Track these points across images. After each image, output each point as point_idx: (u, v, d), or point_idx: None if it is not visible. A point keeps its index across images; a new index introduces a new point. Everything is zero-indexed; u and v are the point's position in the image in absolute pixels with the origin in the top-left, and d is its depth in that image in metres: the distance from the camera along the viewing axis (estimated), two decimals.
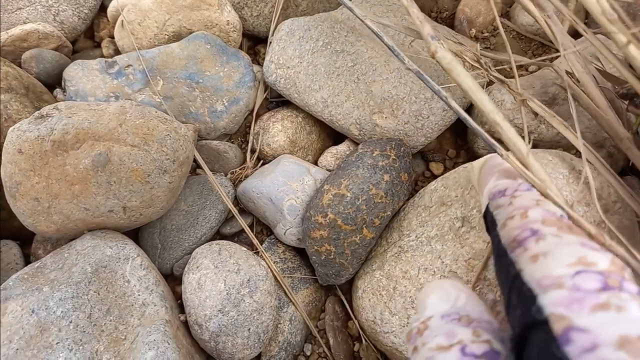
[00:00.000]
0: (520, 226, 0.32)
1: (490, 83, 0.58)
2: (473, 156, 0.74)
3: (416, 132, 0.68)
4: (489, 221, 0.36)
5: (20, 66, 0.75)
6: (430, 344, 0.32)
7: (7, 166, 0.60)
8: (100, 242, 0.61)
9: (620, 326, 0.24)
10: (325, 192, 0.63)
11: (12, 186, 0.60)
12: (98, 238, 0.62)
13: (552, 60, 0.67)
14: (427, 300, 0.37)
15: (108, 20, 0.83)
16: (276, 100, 0.81)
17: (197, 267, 0.62)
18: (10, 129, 0.61)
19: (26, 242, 0.71)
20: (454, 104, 0.51)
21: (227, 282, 0.60)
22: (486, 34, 0.79)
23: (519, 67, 0.64)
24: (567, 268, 0.28)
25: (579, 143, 0.50)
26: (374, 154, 0.64)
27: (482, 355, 0.31)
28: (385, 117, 0.69)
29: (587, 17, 0.76)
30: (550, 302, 0.26)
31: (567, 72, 0.59)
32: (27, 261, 0.70)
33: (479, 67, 0.50)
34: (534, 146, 0.65)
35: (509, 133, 0.45)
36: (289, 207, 0.66)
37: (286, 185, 0.67)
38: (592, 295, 0.26)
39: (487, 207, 0.37)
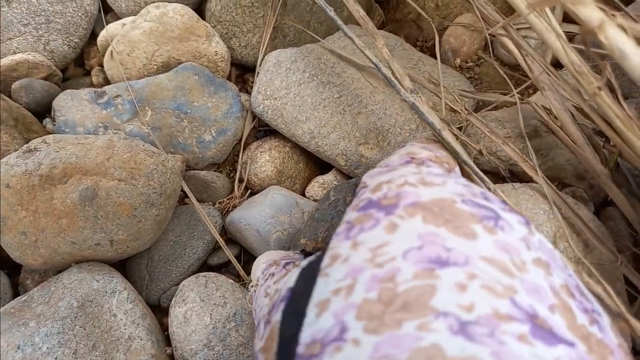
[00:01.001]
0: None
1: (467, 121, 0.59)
2: None
3: None
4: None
5: (9, 96, 0.76)
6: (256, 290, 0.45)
7: None
8: (87, 275, 0.62)
9: (383, 178, 0.35)
10: (303, 246, 0.62)
11: None
12: (85, 271, 0.62)
13: (530, 95, 0.69)
14: (256, 271, 0.50)
15: (98, 49, 0.84)
16: (264, 129, 0.82)
17: (184, 300, 0.63)
18: None
19: (15, 270, 0.71)
20: (447, 136, 0.53)
21: (213, 316, 0.61)
22: (470, 64, 0.80)
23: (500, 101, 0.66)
24: (396, 157, 0.40)
25: (549, 193, 0.51)
26: (347, 200, 0.63)
27: (284, 265, 0.44)
28: (371, 148, 0.70)
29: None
30: (366, 175, 0.38)
31: (546, 108, 0.61)
32: (15, 290, 0.70)
33: (458, 111, 0.51)
34: (521, 180, 0.66)
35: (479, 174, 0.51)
36: (276, 240, 0.67)
37: (274, 217, 0.68)
38: (391, 167, 0.36)
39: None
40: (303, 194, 0.77)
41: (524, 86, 0.73)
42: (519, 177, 0.66)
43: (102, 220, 0.61)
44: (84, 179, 0.61)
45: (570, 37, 0.55)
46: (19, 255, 0.62)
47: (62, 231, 0.61)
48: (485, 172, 0.70)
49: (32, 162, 0.61)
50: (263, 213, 0.68)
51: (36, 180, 0.60)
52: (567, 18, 0.74)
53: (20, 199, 0.60)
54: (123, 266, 0.72)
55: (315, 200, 0.73)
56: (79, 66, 0.87)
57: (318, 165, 0.82)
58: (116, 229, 0.61)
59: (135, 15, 0.80)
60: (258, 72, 0.79)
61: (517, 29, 0.63)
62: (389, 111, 0.69)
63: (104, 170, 0.61)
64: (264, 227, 0.67)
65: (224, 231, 0.75)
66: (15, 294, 0.70)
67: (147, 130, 0.73)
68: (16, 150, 0.66)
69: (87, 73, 0.87)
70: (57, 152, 0.62)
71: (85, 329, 0.58)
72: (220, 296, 0.63)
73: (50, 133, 0.75)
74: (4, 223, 0.60)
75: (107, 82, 0.82)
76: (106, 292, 0.61)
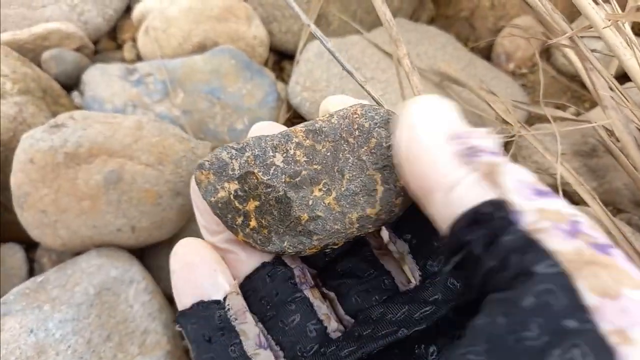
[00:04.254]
0: None
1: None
2: None
3: None
4: None
5: (39, 66, 0.73)
6: None
7: (17, 175, 0.58)
8: (105, 261, 0.59)
9: None
10: None
11: (20, 196, 0.58)
12: (104, 257, 0.60)
13: (588, 109, 0.64)
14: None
15: (133, 24, 0.81)
16: (299, 122, 0.78)
17: None
18: (24, 136, 0.59)
19: (32, 245, 0.69)
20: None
21: None
22: (524, 71, 0.75)
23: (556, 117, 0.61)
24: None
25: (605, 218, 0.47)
26: None
27: None
28: None
29: None
30: None
31: (606, 128, 0.56)
32: (31, 267, 0.68)
33: (510, 124, 0.47)
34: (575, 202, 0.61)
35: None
36: None
37: None
38: None
39: None
40: None
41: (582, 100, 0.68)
42: (571, 196, 0.62)
43: (126, 205, 0.58)
44: (110, 161, 0.58)
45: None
46: (38, 234, 0.60)
47: (84, 213, 0.58)
48: None
49: (58, 138, 0.58)
50: None
51: (61, 157, 0.57)
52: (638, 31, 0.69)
53: (43, 176, 0.57)
54: (142, 254, 0.69)
55: None
56: (111, 40, 0.84)
57: None
58: (139, 215, 0.58)
59: None
60: (298, 61, 0.75)
61: (580, 37, 0.58)
62: None
63: (130, 153, 0.58)
64: None
65: None
66: (31, 270, 0.68)
67: (177, 114, 0.70)
68: (42, 123, 0.63)
69: (120, 48, 0.84)
70: (85, 130, 0.59)
71: (100, 318, 0.56)
72: None
73: (78, 107, 0.73)
74: (25, 199, 0.58)
75: (139, 58, 0.79)
76: (124, 281, 0.59)
